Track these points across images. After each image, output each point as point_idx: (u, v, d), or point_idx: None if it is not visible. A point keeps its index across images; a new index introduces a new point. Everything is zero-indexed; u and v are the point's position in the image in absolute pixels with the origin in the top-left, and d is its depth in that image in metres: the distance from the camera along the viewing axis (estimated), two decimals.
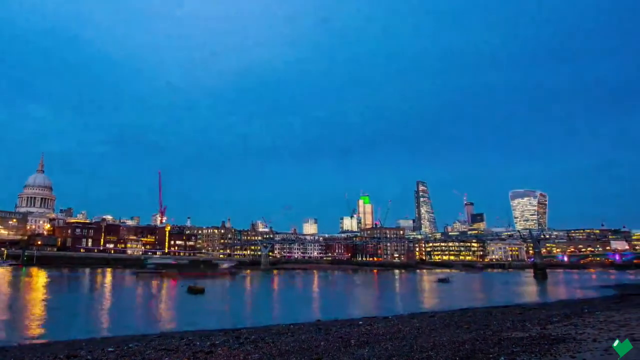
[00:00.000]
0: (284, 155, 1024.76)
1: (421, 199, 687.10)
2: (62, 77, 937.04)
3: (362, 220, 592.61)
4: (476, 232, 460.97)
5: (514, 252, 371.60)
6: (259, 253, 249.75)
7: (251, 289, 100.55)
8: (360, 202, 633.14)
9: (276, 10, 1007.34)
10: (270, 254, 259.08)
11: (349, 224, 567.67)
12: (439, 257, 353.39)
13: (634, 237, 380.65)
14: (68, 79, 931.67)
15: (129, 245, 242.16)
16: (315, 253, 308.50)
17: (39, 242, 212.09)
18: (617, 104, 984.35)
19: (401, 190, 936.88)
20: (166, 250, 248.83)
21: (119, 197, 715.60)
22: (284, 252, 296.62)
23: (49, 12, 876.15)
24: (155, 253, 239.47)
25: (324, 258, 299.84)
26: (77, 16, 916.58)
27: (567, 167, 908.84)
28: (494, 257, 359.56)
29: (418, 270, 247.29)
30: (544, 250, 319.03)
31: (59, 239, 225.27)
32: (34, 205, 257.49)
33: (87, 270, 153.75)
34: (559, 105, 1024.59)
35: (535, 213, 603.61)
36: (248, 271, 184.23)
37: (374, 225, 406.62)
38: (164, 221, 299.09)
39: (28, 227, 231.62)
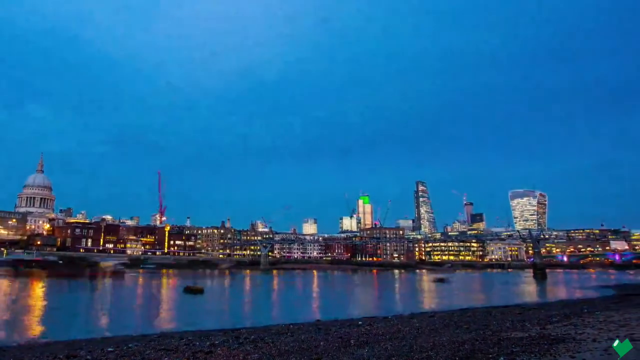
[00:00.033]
0: (284, 155, 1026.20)
1: (421, 199, 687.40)
2: (62, 77, 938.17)
3: (362, 220, 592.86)
4: (476, 232, 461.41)
5: (513, 252, 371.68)
6: (258, 253, 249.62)
7: (250, 289, 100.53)
8: (360, 202, 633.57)
9: (276, 10, 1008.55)
10: (270, 254, 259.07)
11: (349, 224, 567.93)
12: (439, 257, 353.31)
13: (633, 237, 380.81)
14: (68, 79, 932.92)
15: (128, 245, 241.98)
16: (315, 253, 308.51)
17: (39, 242, 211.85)
18: (617, 104, 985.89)
19: (401, 190, 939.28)
20: (165, 251, 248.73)
21: (119, 197, 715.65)
22: (284, 252, 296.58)
23: (49, 12, 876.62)
24: (154, 253, 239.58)
25: (324, 258, 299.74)
26: (77, 16, 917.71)
27: (566, 167, 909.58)
28: (493, 257, 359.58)
29: (417, 270, 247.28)
30: (544, 250, 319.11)
31: (59, 239, 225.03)
32: (33, 205, 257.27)
33: (87, 270, 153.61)
34: (558, 105, 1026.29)
35: (535, 213, 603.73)
36: (248, 271, 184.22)
37: (374, 225, 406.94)
38: (163, 221, 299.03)
39: (27, 227, 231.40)
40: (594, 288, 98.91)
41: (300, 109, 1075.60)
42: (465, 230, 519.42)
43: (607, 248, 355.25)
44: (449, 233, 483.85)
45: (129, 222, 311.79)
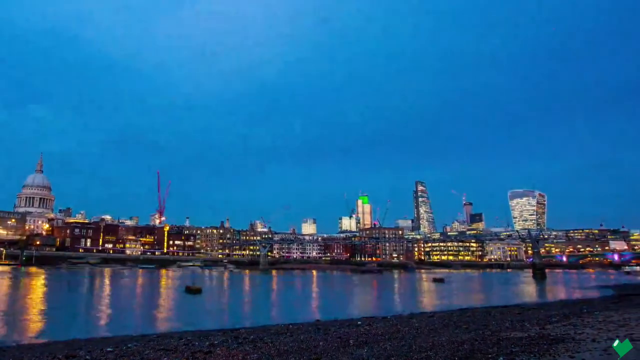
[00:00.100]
0: (284, 155, 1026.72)
1: (420, 199, 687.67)
2: (62, 77, 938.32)
3: (361, 220, 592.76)
4: (475, 232, 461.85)
5: (512, 252, 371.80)
6: (257, 253, 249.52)
7: (250, 289, 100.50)
8: (359, 202, 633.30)
9: (276, 10, 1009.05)
10: (269, 254, 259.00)
11: (348, 224, 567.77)
12: (438, 257, 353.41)
13: (632, 237, 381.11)
14: (68, 79, 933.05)
15: (127, 245, 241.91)
16: (314, 253, 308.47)
17: (38, 242, 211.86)
18: (617, 104, 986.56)
19: (400, 190, 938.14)
20: (165, 251, 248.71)
21: (119, 197, 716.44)
22: (283, 252, 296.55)
23: (49, 12, 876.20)
24: (154, 253, 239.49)
25: (323, 258, 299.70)
26: (77, 16, 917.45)
27: (566, 167, 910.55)
28: (492, 257, 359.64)
29: (417, 270, 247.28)
30: (543, 250, 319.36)
31: (58, 239, 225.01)
32: (32, 205, 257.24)
33: (86, 270, 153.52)
34: (558, 105, 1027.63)
35: (534, 213, 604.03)
36: (247, 271, 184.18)
37: (373, 225, 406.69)
38: (162, 221, 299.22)
39: (27, 227, 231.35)
40: (593, 288, 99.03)
41: (300, 109, 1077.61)
42: (464, 230, 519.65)
43: (607, 248, 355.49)
44: (448, 233, 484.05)
45: (128, 222, 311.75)
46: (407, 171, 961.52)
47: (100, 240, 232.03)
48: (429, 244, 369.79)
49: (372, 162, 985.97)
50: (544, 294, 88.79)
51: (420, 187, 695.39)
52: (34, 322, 40.83)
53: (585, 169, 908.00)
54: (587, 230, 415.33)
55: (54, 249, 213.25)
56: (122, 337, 30.47)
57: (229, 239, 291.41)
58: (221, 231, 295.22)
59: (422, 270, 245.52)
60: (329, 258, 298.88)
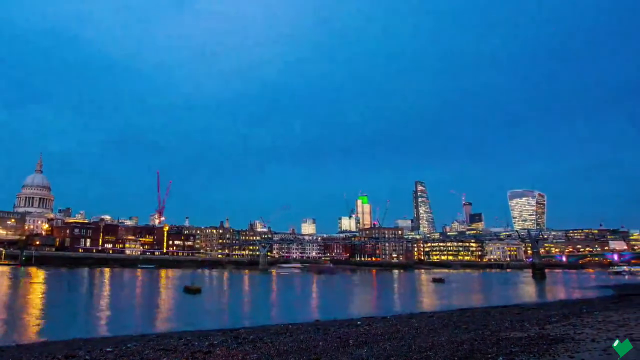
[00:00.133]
0: (284, 155, 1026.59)
1: (420, 199, 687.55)
2: (62, 77, 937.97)
3: (361, 220, 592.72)
4: (474, 232, 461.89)
5: (512, 252, 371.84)
6: (257, 253, 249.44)
7: (249, 288, 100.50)
8: (359, 202, 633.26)
9: (276, 10, 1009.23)
10: (269, 254, 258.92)
11: (348, 224, 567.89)
12: (438, 257, 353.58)
13: (632, 237, 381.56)
14: (68, 79, 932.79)
15: (127, 245, 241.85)
16: (314, 253, 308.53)
17: (38, 242, 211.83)
18: (617, 104, 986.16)
19: (400, 190, 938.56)
20: (164, 251, 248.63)
21: (119, 197, 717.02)
22: (283, 252, 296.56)
23: (49, 12, 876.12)
24: (153, 253, 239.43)
25: (323, 258, 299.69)
26: (77, 16, 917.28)
27: (565, 167, 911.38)
28: (492, 257, 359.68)
29: (416, 270, 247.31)
30: (543, 250, 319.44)
31: (58, 239, 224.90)
32: (32, 205, 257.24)
33: (86, 270, 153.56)
34: (558, 105, 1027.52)
35: (534, 213, 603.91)
36: (246, 271, 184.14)
37: (373, 225, 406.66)
38: (162, 221, 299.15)
39: (26, 227, 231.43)
40: (593, 288, 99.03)
41: (300, 109, 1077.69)
42: (464, 230, 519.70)
43: (606, 248, 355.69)
44: (448, 233, 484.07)
45: (128, 222, 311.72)
46: (406, 171, 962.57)
47: (100, 240, 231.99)
48: (429, 244, 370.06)
49: (372, 162, 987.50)
50: (544, 294, 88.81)
51: (419, 187, 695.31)
52: (34, 322, 40.82)
53: (584, 169, 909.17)
54: (587, 230, 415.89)
55: (54, 249, 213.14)
56: (121, 337, 30.45)
57: (228, 239, 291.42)
58: (221, 231, 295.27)
59: (422, 270, 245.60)
60: (328, 258, 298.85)
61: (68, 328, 36.32)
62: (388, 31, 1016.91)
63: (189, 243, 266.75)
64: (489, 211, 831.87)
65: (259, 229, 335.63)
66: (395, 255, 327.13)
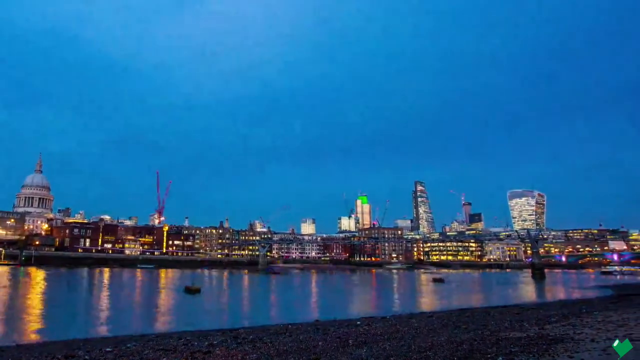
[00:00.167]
0: (284, 155, 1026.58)
1: (419, 199, 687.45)
2: (62, 77, 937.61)
3: (360, 220, 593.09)
4: (474, 232, 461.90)
5: (512, 252, 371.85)
6: (257, 253, 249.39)
7: (249, 288, 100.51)
8: (359, 202, 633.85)
9: (276, 10, 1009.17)
10: (269, 254, 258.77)
11: (347, 224, 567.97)
12: (437, 257, 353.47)
13: (632, 237, 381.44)
14: (68, 79, 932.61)
15: (126, 245, 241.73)
16: (314, 253, 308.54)
17: (37, 242, 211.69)
18: (616, 104, 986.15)
19: (399, 190, 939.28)
20: (164, 251, 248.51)
21: (118, 197, 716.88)
22: (282, 252, 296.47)
23: (49, 12, 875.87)
24: (153, 253, 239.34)
25: (322, 258, 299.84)
26: (77, 16, 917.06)
27: (565, 167, 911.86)
28: (492, 257, 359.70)
29: (416, 270, 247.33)
30: (542, 251, 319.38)
31: (57, 239, 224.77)
32: (31, 205, 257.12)
33: (85, 270, 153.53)
34: (558, 105, 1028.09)
35: (533, 213, 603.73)
36: (246, 271, 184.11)
37: (372, 225, 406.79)
38: (162, 221, 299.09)
39: (26, 227, 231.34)
40: (593, 288, 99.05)
41: (300, 109, 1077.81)
42: (463, 230, 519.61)
43: (606, 248, 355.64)
44: (448, 233, 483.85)
45: (128, 222, 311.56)
46: (406, 171, 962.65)
47: (100, 240, 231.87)
48: (428, 244, 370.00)
49: (372, 162, 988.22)
50: (543, 294, 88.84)
51: (419, 187, 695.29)
52: (33, 322, 40.81)
53: (584, 169, 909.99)
54: (586, 230, 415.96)
55: (53, 249, 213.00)
56: (121, 337, 30.46)
57: (228, 239, 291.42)
58: (220, 231, 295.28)
59: (422, 270, 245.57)
60: (328, 258, 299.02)
61: (67, 328, 36.34)
62: (388, 31, 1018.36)
63: (189, 243, 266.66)
64: (488, 211, 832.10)
65: (259, 229, 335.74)
66: (395, 255, 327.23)
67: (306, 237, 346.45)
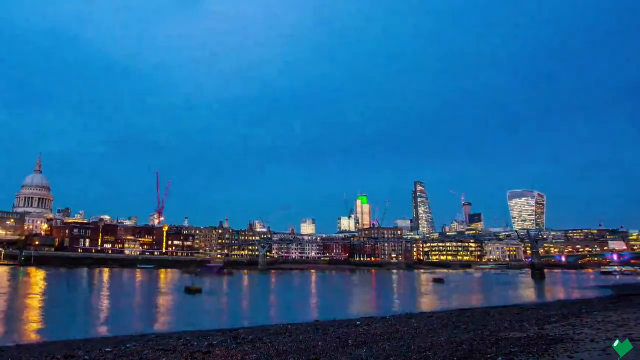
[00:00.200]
0: (284, 155, 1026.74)
1: (419, 199, 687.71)
2: (62, 77, 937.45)
3: (360, 220, 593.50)
4: (474, 232, 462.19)
5: (511, 252, 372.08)
6: (256, 253, 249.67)
7: (248, 289, 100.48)
8: (358, 202, 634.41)
9: (276, 10, 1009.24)
10: (268, 254, 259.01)
11: (347, 224, 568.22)
12: (437, 257, 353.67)
13: (631, 237, 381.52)
14: (68, 79, 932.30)
15: (126, 245, 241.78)
16: (313, 253, 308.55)
17: (37, 242, 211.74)
18: (616, 104, 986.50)
19: (399, 190, 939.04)
20: (163, 251, 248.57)
21: (118, 197, 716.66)
22: (282, 252, 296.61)
23: (49, 12, 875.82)
24: (152, 253, 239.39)
25: (322, 258, 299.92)
26: (77, 16, 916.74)
27: (565, 167, 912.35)
28: (491, 257, 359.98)
29: (415, 270, 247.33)
30: (542, 250, 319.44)
31: (57, 239, 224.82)
32: (31, 206, 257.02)
33: (85, 270, 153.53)
34: (558, 105, 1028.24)
35: (533, 213, 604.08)
36: (245, 271, 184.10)
37: (372, 225, 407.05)
38: (161, 221, 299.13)
39: (25, 227, 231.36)
40: (592, 288, 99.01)
41: (300, 109, 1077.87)
42: (463, 230, 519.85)
43: (605, 248, 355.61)
44: (447, 233, 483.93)
45: (127, 222, 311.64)
46: (406, 171, 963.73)
47: (99, 240, 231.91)
48: (428, 244, 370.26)
49: (372, 162, 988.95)
50: (543, 294, 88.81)
51: (419, 187, 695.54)
52: (33, 322, 40.77)
53: (584, 169, 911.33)
54: (586, 230, 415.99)
55: (53, 249, 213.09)
56: (121, 337, 30.41)
57: (227, 239, 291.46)
58: (220, 231, 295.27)
59: (421, 270, 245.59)
60: (327, 258, 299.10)
61: (67, 328, 36.32)
62: (388, 31, 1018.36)
63: (188, 243, 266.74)
64: (488, 211, 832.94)
65: (258, 229, 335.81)
66: (395, 255, 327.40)
67: (306, 237, 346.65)
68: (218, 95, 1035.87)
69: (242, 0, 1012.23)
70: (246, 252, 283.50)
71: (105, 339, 29.90)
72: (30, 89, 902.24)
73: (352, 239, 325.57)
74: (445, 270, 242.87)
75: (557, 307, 46.90)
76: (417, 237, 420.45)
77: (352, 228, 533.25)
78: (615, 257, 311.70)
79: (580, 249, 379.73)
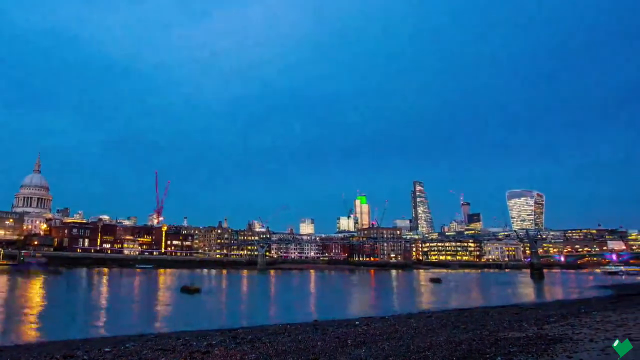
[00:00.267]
0: (284, 155, 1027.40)
1: (418, 199, 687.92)
2: (62, 77, 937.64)
3: (359, 220, 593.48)
4: (473, 232, 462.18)
5: (510, 252, 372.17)
6: (255, 253, 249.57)
7: (248, 288, 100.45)
8: (357, 202, 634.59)
9: (276, 10, 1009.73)
10: (267, 254, 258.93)
11: (346, 224, 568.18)
12: (436, 257, 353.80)
13: (630, 237, 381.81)
14: (68, 79, 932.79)
15: (125, 245, 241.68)
16: (312, 253, 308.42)
17: (36, 242, 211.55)
18: (616, 104, 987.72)
19: (398, 190, 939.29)
20: (162, 251, 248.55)
21: (118, 197, 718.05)
22: (281, 252, 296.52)
23: (49, 12, 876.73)
24: (152, 253, 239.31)
25: (321, 258, 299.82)
26: (77, 16, 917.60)
27: (564, 167, 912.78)
28: (490, 257, 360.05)
29: (415, 270, 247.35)
30: (541, 251, 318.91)
31: (56, 239, 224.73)
32: (30, 206, 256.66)
33: (84, 270, 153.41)
34: (558, 105, 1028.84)
35: (532, 213, 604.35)
36: (245, 271, 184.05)
37: (371, 225, 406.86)
38: (160, 221, 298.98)
39: (25, 227, 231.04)
40: (591, 288, 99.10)
41: (300, 109, 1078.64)
42: (462, 230, 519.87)
43: (605, 248, 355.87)
44: (446, 233, 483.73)
45: (126, 222, 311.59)
46: (405, 171, 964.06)
47: (98, 240, 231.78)
48: (427, 244, 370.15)
49: (371, 162, 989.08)
50: (542, 294, 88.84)
51: (418, 187, 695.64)
52: (32, 322, 40.72)
53: (583, 169, 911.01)
54: (585, 231, 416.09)
55: (52, 249, 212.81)
56: (120, 337, 30.39)
57: (226, 239, 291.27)
58: (219, 231, 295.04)
59: (420, 270, 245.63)
60: (326, 258, 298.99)
61: (66, 328, 36.29)
62: (388, 31, 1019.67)
63: (187, 243, 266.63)
64: (487, 211, 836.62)
65: (258, 229, 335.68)
66: (394, 255, 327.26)
67: (305, 237, 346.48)
68: (218, 95, 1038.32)
69: (242, 0, 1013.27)
70: (245, 252, 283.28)
71: (104, 339, 29.89)
72: (30, 89, 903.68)
73: (351, 239, 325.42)
74: (445, 270, 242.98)
75: (556, 307, 46.92)
76: (416, 237, 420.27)
77: (352, 228, 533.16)
78: (614, 257, 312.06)
79: (580, 249, 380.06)
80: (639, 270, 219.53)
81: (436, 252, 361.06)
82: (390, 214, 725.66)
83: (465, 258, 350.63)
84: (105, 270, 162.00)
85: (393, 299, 78.03)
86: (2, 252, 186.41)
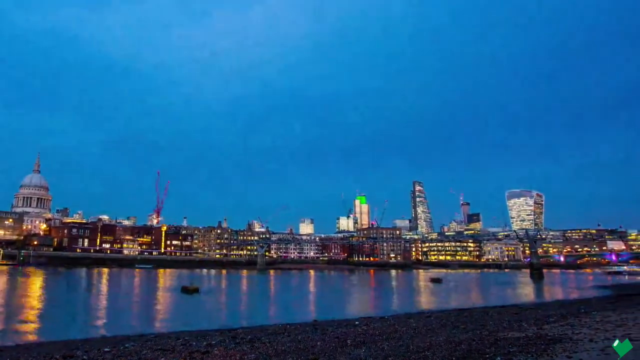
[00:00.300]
0: (284, 155, 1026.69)
1: (418, 199, 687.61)
2: (62, 77, 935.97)
3: (359, 220, 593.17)
4: (472, 232, 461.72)
5: (510, 252, 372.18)
6: (255, 253, 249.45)
7: (247, 288, 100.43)
8: (357, 202, 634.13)
9: (276, 10, 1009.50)
10: (267, 254, 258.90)
11: (346, 224, 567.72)
12: (436, 257, 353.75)
13: (630, 237, 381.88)
14: (68, 79, 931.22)
15: (125, 245, 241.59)
16: (312, 253, 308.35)
17: (35, 242, 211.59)
18: (616, 103, 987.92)
19: (398, 190, 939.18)
20: (162, 251, 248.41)
21: (118, 197, 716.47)
22: (281, 252, 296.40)
23: (49, 12, 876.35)
24: (151, 253, 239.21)
25: (321, 258, 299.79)
26: (77, 16, 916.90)
27: (564, 167, 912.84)
28: (490, 257, 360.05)
29: (414, 270, 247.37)
30: (541, 251, 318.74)
31: (55, 239, 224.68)
32: (30, 206, 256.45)
33: (84, 270, 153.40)
34: (558, 105, 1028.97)
35: (532, 213, 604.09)
36: (244, 271, 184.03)
37: (371, 226, 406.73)
38: (160, 221, 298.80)
39: (24, 227, 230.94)
40: (591, 288, 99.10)
41: (300, 109, 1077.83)
42: (462, 230, 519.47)
43: (604, 248, 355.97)
44: (446, 233, 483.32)
45: (126, 222, 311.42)
46: (405, 171, 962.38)
47: (98, 240, 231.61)
48: (427, 244, 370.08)
49: (371, 162, 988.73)
50: (542, 294, 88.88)
51: (417, 187, 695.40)
52: (31, 322, 40.72)
53: (583, 169, 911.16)
54: (585, 231, 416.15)
55: (52, 249, 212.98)
56: (119, 337, 30.39)
57: (226, 239, 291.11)
58: (218, 231, 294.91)
59: (420, 270, 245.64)
60: (326, 258, 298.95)
61: (66, 328, 36.26)
62: (388, 31, 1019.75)
63: (187, 243, 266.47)
64: (487, 211, 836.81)
65: (257, 229, 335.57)
66: (393, 255, 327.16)
67: (304, 237, 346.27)
68: (218, 95, 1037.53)
69: (242, 0, 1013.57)
70: (245, 252, 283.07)
71: (104, 339, 29.89)
72: (30, 89, 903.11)
73: (350, 239, 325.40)
74: (444, 270, 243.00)
75: (555, 307, 46.93)
76: (415, 237, 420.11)
77: (351, 228, 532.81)
78: (614, 257, 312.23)
79: (579, 249, 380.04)
80: None
81: (436, 252, 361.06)
82: (390, 214, 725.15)
83: (464, 258, 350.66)
84: (105, 270, 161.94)
85: (392, 299, 78.03)
86: (1, 252, 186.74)
